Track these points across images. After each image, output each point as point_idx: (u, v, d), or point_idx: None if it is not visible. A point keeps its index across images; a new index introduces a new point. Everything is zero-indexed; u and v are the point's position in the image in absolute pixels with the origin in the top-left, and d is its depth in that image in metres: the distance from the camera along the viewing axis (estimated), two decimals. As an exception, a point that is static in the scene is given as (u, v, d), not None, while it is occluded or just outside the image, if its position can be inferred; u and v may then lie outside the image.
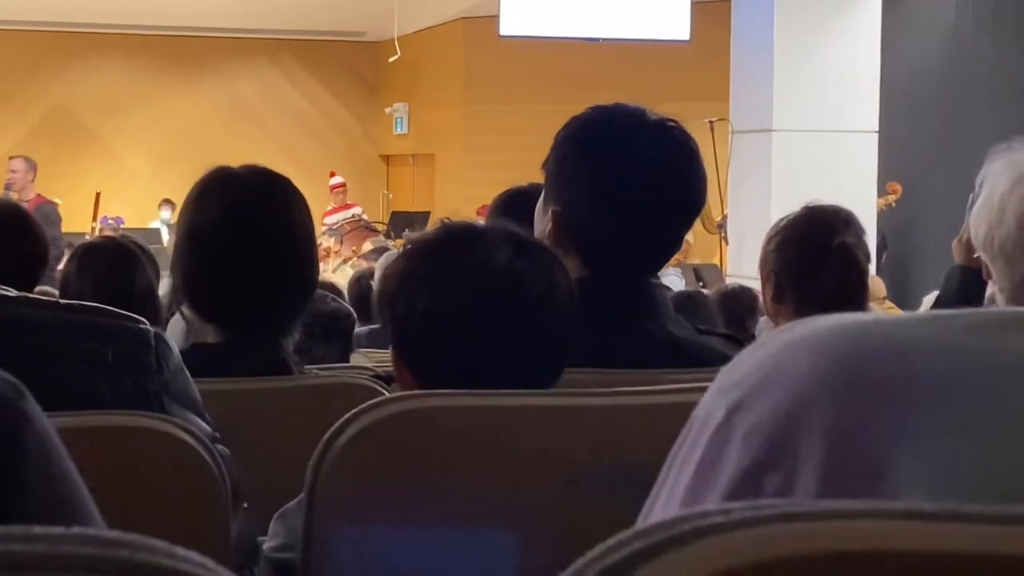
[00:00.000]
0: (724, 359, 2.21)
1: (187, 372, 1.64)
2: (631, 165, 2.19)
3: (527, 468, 1.50)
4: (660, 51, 13.71)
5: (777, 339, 0.72)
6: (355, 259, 12.58)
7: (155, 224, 15.16)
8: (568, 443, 1.52)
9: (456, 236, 1.82)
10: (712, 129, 11.36)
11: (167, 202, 15.58)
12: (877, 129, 10.11)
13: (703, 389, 1.57)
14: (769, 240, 3.15)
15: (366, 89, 18.58)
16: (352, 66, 18.44)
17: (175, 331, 3.20)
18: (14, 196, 11.38)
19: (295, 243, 2.31)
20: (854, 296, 3.11)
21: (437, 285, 1.74)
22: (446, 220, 1.96)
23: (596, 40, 11.99)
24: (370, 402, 1.46)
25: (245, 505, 1.56)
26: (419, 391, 1.54)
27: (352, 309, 3.65)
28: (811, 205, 3.18)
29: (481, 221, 1.96)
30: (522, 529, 1.45)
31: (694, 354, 2.19)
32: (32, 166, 11.55)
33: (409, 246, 1.87)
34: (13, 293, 1.53)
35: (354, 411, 1.44)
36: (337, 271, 11.98)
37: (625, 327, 2.15)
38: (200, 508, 1.46)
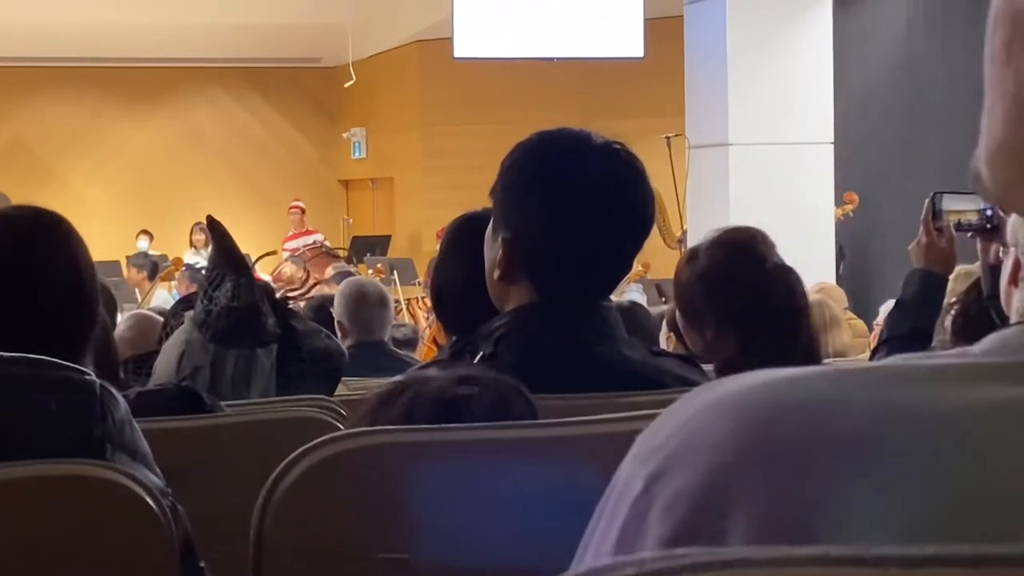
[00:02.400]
0: (679, 380, 2.22)
1: (135, 425, 1.62)
2: (578, 189, 2.19)
3: (478, 502, 1.49)
4: (615, 69, 13.75)
5: (691, 404, 0.71)
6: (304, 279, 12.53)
7: (137, 252, 15.06)
8: (518, 477, 1.52)
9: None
10: (669, 145, 11.39)
11: (145, 232, 15.59)
12: (832, 140, 10.17)
13: (644, 417, 1.57)
14: (687, 283, 3.05)
15: (323, 115, 18.55)
16: (308, 92, 18.41)
17: (172, 353, 3.16)
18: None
19: (58, 286, 2.20)
20: (800, 317, 3.09)
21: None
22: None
23: (551, 59, 12.02)
24: (313, 442, 1.45)
25: (202, 564, 1.54)
26: (362, 429, 1.53)
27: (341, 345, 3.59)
28: (720, 236, 3.10)
29: (438, 243, 1.98)
30: (476, 566, 1.44)
31: (649, 376, 2.19)
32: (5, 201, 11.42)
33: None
34: None
35: (297, 452, 1.43)
36: (304, 297, 11.92)
37: (579, 352, 2.15)
38: (146, 558, 1.45)
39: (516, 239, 2.20)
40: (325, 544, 1.44)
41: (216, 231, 3.22)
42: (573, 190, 2.19)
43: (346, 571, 1.44)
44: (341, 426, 2.23)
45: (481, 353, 2.18)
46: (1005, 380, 0.66)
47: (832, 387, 0.67)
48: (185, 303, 3.74)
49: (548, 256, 2.18)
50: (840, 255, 10.85)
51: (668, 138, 11.42)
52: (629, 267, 2.32)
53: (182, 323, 3.53)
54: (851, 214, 11.59)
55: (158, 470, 1.64)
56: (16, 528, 1.41)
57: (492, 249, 2.25)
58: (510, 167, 2.26)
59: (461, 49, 11.57)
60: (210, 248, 3.32)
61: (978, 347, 0.71)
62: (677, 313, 3.16)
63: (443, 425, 1.53)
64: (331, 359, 3.24)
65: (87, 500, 1.43)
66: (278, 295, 3.39)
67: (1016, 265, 0.90)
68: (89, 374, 1.58)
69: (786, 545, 0.61)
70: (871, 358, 3.68)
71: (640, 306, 4.79)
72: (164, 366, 3.20)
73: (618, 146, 2.27)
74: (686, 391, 2.12)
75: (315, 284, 3.63)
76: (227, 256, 3.20)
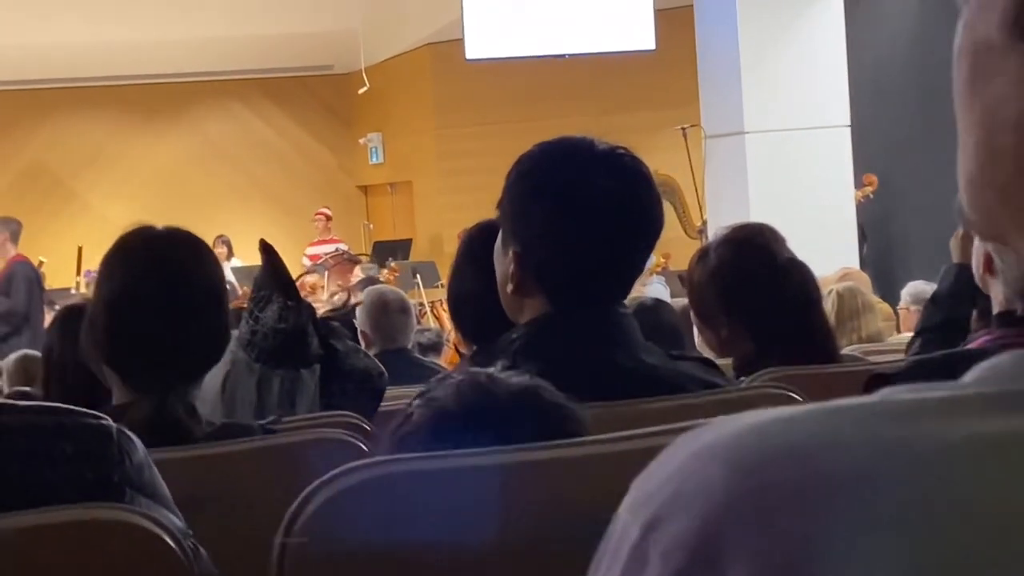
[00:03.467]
0: (699, 383, 2.22)
1: (154, 467, 1.63)
2: (586, 199, 2.19)
3: (500, 528, 1.49)
4: (627, 62, 13.72)
5: (683, 449, 0.70)
6: (340, 293, 12.56)
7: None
8: (541, 499, 1.52)
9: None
10: (685, 135, 11.38)
11: None
12: (849, 123, 10.13)
13: (669, 432, 1.57)
14: (699, 282, 3.04)
15: (338, 122, 18.58)
16: (323, 99, 18.44)
17: (217, 372, 3.19)
18: (-1, 258, 11.35)
19: (203, 304, 2.33)
20: (814, 312, 3.08)
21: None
22: (460, 382, 1.74)
23: (562, 56, 12.01)
24: (330, 474, 1.44)
25: None
26: (380, 458, 1.53)
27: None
28: (729, 234, 3.09)
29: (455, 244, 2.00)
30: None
31: (668, 381, 2.19)
32: (8, 226, 11.44)
33: (415, 422, 1.71)
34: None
35: (314, 484, 1.43)
36: (328, 302, 11.96)
37: (597, 361, 2.15)
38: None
39: (526, 252, 2.20)
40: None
41: (267, 253, 3.28)
42: (579, 201, 2.19)
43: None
44: (364, 446, 2.23)
45: (500, 365, 2.18)
46: (998, 411, 0.65)
47: (822, 426, 0.67)
48: None
49: (559, 268, 2.18)
50: (862, 238, 10.82)
51: (684, 129, 11.41)
52: (641, 269, 2.32)
53: None
54: (871, 196, 11.55)
55: (177, 510, 1.64)
56: (40, 575, 1.41)
57: (503, 263, 2.26)
58: (515, 181, 2.26)
59: (472, 51, 11.57)
60: (259, 270, 3.37)
61: (970, 376, 0.70)
62: (691, 312, 3.16)
63: (465, 451, 1.54)
64: (371, 379, 3.26)
65: (108, 544, 1.43)
66: (319, 314, 3.42)
67: (987, 258, 0.89)
68: (105, 419, 1.59)
69: None
70: (907, 351, 3.66)
71: (664, 304, 4.75)
72: (210, 386, 3.23)
73: (622, 151, 2.27)
74: (706, 395, 2.11)
75: (356, 305, 3.65)
76: (276, 279, 3.24)
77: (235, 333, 3.30)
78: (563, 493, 1.53)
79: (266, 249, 3.31)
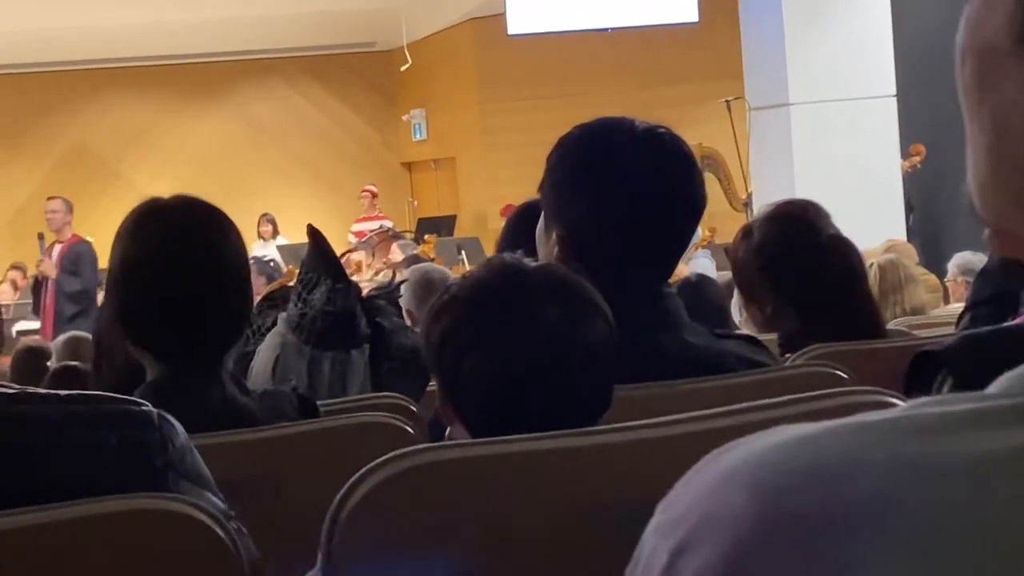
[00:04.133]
0: (744, 363, 2.21)
1: (195, 450, 1.63)
2: (628, 181, 2.18)
3: (550, 514, 1.49)
4: (670, 34, 13.66)
5: (708, 471, 0.69)
6: (386, 270, 12.59)
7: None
8: (589, 482, 1.51)
9: (501, 292, 1.82)
10: (729, 108, 11.33)
11: None
12: (895, 93, 10.05)
13: (715, 416, 1.56)
14: (743, 259, 3.03)
15: (381, 98, 18.59)
16: (365, 77, 18.45)
17: (267, 356, 3.21)
18: (53, 236, 11.50)
19: (228, 274, 2.28)
20: (858, 287, 3.06)
21: (483, 347, 1.77)
22: (492, 261, 1.94)
23: (605, 30, 11.96)
24: (381, 459, 1.44)
25: None
26: (427, 445, 1.53)
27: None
28: (773, 211, 3.07)
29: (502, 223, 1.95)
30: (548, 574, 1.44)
31: (712, 362, 2.18)
32: (69, 206, 11.67)
33: (453, 294, 1.84)
34: (13, 389, 1.53)
35: (366, 468, 1.43)
36: (372, 280, 11.99)
37: (642, 342, 2.14)
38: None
39: (569, 236, 2.20)
40: (394, 565, 1.44)
41: (314, 237, 3.28)
42: (622, 183, 2.18)
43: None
44: (411, 430, 2.23)
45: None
46: (1022, 424, 0.64)
47: (845, 446, 0.66)
48: (268, 301, 3.80)
49: (603, 251, 2.17)
50: (908, 208, 10.74)
51: (728, 101, 11.36)
52: (684, 248, 2.31)
53: (267, 322, 3.58)
54: (918, 166, 11.47)
55: (219, 493, 1.64)
56: (85, 566, 1.42)
57: (546, 246, 2.25)
58: (556, 164, 2.25)
59: (515, 26, 11.53)
60: (307, 253, 3.37)
61: (996, 385, 0.69)
62: (735, 289, 3.15)
63: (514, 436, 1.53)
64: (419, 357, 3.26)
65: (154, 534, 1.43)
66: (364, 293, 3.43)
67: None
68: (146, 405, 1.58)
69: None
70: (957, 325, 3.63)
71: (707, 280, 4.74)
72: (260, 368, 3.25)
73: (662, 131, 2.25)
74: (751, 374, 2.10)
75: (401, 283, 3.65)
76: (324, 261, 3.26)
77: (283, 315, 3.31)
78: (611, 479, 1.52)
79: (313, 233, 3.33)
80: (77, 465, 1.49)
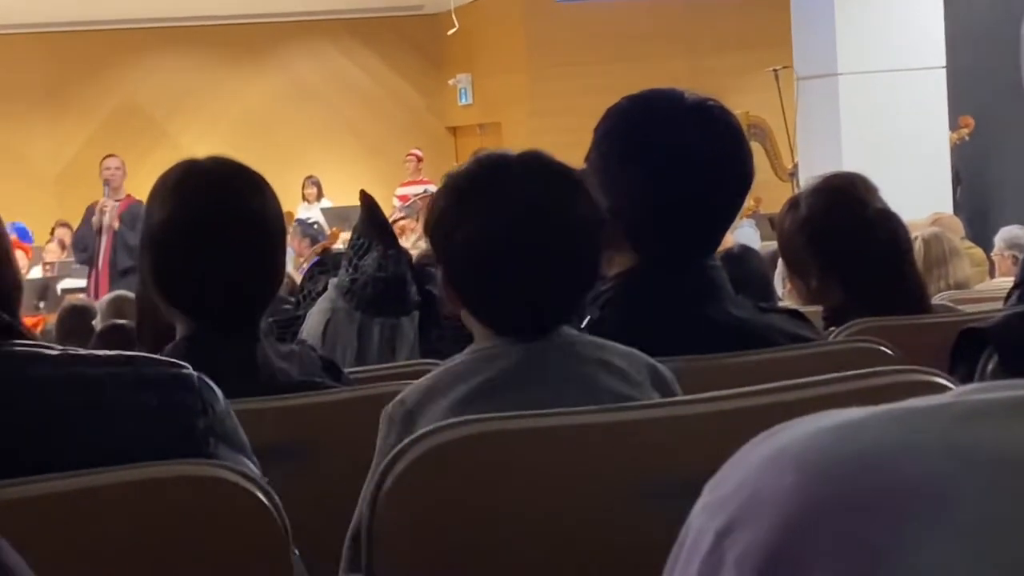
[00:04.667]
0: (788, 337, 2.20)
1: (234, 415, 1.63)
2: (676, 155, 2.17)
3: (591, 486, 1.48)
4: (719, 2, 13.58)
5: (757, 452, 0.69)
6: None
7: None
8: (631, 457, 1.51)
9: (487, 169, 1.95)
10: (777, 77, 11.26)
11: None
12: (944, 64, 9.96)
13: (758, 393, 1.56)
14: (789, 232, 3.01)
15: (428, 62, 18.56)
16: (412, 40, 18.42)
17: (317, 320, 3.22)
18: (111, 194, 11.52)
19: (264, 235, 2.28)
20: (904, 262, 3.04)
21: (472, 219, 1.88)
22: (480, 152, 2.07)
23: (653, -3, 11.89)
24: (422, 431, 1.45)
25: (296, 552, 1.55)
26: (470, 417, 1.53)
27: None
28: (820, 183, 3.05)
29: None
30: (590, 549, 1.44)
31: (757, 335, 2.17)
32: (123, 165, 11.68)
33: (444, 184, 1.99)
34: (55, 350, 1.53)
35: (407, 440, 1.43)
36: (415, 246, 11.99)
37: (687, 314, 2.13)
38: (261, 554, 1.45)
39: (617, 207, 2.19)
40: (437, 536, 1.45)
41: (367, 203, 3.29)
42: (671, 156, 2.17)
43: (459, 560, 1.44)
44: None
45: (588, 318, 2.17)
46: None
47: (897, 431, 0.65)
48: (320, 265, 3.81)
49: (651, 222, 2.17)
50: (956, 181, 10.66)
51: (776, 70, 11.29)
52: (731, 221, 2.31)
53: (318, 287, 3.60)
54: (967, 138, 11.37)
55: (255, 458, 1.64)
56: (126, 532, 1.42)
57: None
58: (604, 136, 2.24)
59: (562, -9, 11.49)
60: (359, 219, 3.37)
61: None
62: (780, 261, 3.13)
63: (558, 410, 1.54)
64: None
65: (197, 499, 1.43)
66: (415, 260, 3.44)
67: None
68: (187, 367, 1.58)
69: None
70: (1005, 302, 3.60)
71: (751, 252, 4.70)
72: (310, 332, 3.27)
73: (712, 103, 2.24)
74: (796, 348, 2.09)
75: (420, 237, 3.66)
76: (376, 227, 3.26)
77: (334, 280, 3.32)
78: (652, 455, 1.52)
79: (366, 199, 3.34)
80: (117, 427, 1.48)
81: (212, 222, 2.23)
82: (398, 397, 1.87)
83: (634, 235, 2.17)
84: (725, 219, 2.26)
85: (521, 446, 1.49)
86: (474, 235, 1.87)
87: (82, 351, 1.57)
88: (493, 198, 1.90)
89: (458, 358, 1.94)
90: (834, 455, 0.65)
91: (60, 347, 1.54)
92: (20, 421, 1.46)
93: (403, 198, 14.97)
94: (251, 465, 1.60)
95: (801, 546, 0.63)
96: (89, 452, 1.45)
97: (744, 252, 4.53)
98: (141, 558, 1.40)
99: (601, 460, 1.51)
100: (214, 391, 1.58)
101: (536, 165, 1.93)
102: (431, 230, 1.97)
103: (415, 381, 1.91)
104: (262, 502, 1.44)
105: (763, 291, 4.13)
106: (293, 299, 4.10)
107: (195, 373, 1.57)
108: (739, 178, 2.23)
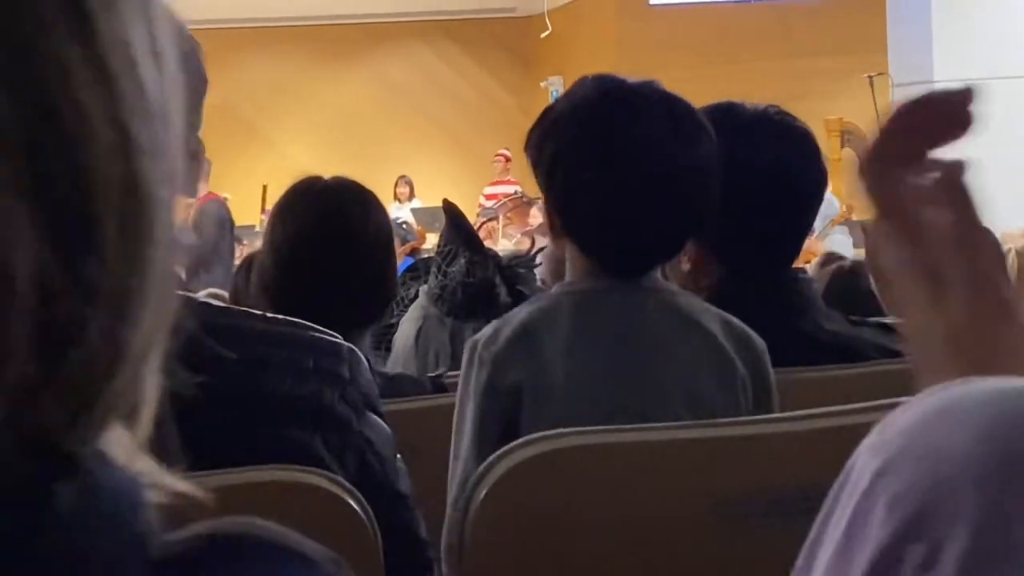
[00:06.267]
0: (880, 351, 2.16)
1: (376, 388, 1.67)
2: (759, 170, 2.17)
3: (673, 502, 1.47)
4: (813, 6, 13.47)
5: (930, 402, 0.68)
6: (521, 237, 12.60)
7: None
8: (718, 475, 1.49)
9: (612, 107, 1.93)
10: (872, 83, 11.13)
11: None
12: (1046, 72, 9.83)
13: (841, 413, 1.52)
14: None
15: (519, 64, 18.58)
16: (504, 42, 18.45)
17: (410, 327, 3.26)
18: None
19: (371, 254, 2.37)
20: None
21: (594, 168, 1.88)
22: (586, 80, 2.08)
23: (748, 1, 11.82)
24: (509, 445, 1.44)
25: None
26: (559, 431, 1.52)
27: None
28: None
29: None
30: (672, 564, 1.42)
31: (850, 348, 2.14)
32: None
33: (555, 117, 1.99)
34: (223, 303, 1.63)
35: (497, 453, 1.43)
36: (500, 242, 12.00)
37: (777, 327, 2.11)
38: (353, 560, 1.44)
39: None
40: (526, 546, 1.44)
41: (450, 212, 3.35)
42: (754, 172, 2.17)
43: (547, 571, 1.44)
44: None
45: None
46: None
47: None
48: (411, 271, 3.86)
49: (732, 238, 2.15)
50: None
51: (871, 77, 11.16)
52: (808, 229, 2.32)
53: (410, 293, 3.65)
54: (1065, 148, 11.19)
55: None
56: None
57: None
58: None
59: (656, -6, 11.46)
60: (444, 227, 3.44)
61: None
62: (870, 273, 3.08)
63: (644, 425, 1.52)
64: None
65: (291, 505, 1.42)
66: (505, 263, 3.47)
67: None
68: (339, 337, 1.63)
69: (1001, 567, 0.60)
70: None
71: (861, 265, 4.51)
72: (403, 341, 3.31)
73: (775, 111, 2.26)
74: (888, 363, 2.05)
75: (540, 250, 3.69)
76: (461, 234, 3.32)
77: (424, 288, 3.37)
78: (739, 472, 1.50)
79: (449, 208, 3.39)
80: (276, 380, 1.53)
81: (323, 238, 2.34)
82: (486, 334, 1.87)
83: (720, 249, 2.16)
84: (803, 229, 2.27)
85: (606, 461, 1.47)
86: (599, 169, 1.87)
87: (253, 311, 1.67)
88: (619, 132, 1.90)
89: (550, 300, 1.92)
90: (1006, 419, 0.64)
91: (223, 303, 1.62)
92: (199, 361, 1.50)
93: (490, 197, 14.98)
94: (387, 431, 1.63)
95: (954, 500, 0.62)
96: (253, 399, 1.51)
97: (854, 267, 4.41)
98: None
99: (688, 477, 1.49)
100: (361, 363, 1.64)
101: (658, 97, 1.95)
102: (538, 155, 1.97)
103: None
104: (355, 510, 1.44)
105: (876, 307, 4.02)
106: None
107: (345, 344, 1.62)
108: (812, 185, 2.24)
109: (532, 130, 2.00)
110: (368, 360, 2.35)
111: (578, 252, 1.93)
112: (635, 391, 1.81)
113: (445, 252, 3.32)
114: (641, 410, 1.76)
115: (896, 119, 0.85)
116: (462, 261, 3.26)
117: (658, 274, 1.97)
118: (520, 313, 1.90)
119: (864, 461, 0.69)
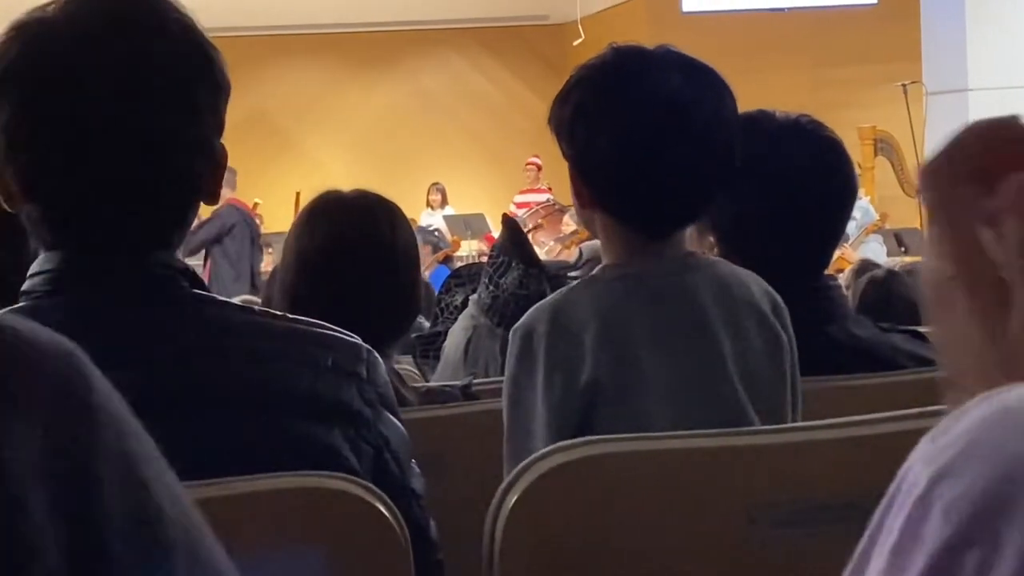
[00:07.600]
0: (912, 358, 2.16)
1: (392, 389, 1.69)
2: (789, 176, 2.18)
3: (704, 510, 1.47)
4: (847, 15, 13.43)
5: (984, 408, 0.68)
6: (553, 245, 12.60)
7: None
8: (750, 483, 1.49)
9: (624, 67, 1.94)
10: (905, 92, 11.10)
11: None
12: (1080, 81, 9.77)
13: (875, 421, 1.52)
14: None
15: (552, 72, 18.55)
16: (537, 50, 18.45)
17: (459, 337, 3.27)
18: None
19: (398, 267, 2.37)
20: None
21: (610, 118, 1.89)
22: (608, 48, 2.04)
23: (782, 10, 11.81)
24: (538, 453, 1.44)
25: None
26: (589, 438, 1.52)
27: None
28: None
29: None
30: (704, 573, 1.42)
31: (880, 355, 2.14)
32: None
33: (578, 77, 1.98)
34: (243, 302, 1.64)
35: (529, 459, 1.43)
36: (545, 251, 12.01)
37: (807, 333, 2.11)
38: (383, 566, 1.45)
39: (725, 234, 2.20)
40: (557, 554, 1.44)
41: (510, 226, 3.39)
42: (785, 180, 2.18)
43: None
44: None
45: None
46: None
47: None
48: (456, 278, 3.88)
49: (763, 244, 2.16)
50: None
51: (904, 85, 11.13)
52: (839, 236, 2.32)
53: (455, 300, 3.66)
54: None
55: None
56: (250, 542, 1.42)
57: (699, 244, 2.24)
58: None
59: (690, 3, 11.45)
60: (500, 238, 3.46)
61: None
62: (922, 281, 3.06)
63: (675, 433, 1.52)
64: None
65: (321, 511, 1.43)
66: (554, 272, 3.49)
67: None
68: (356, 337, 1.64)
69: None
70: None
71: (896, 276, 4.46)
72: (452, 350, 3.33)
73: (805, 119, 2.27)
74: (921, 371, 2.05)
75: (588, 261, 3.71)
76: (518, 247, 3.34)
77: (474, 298, 3.38)
78: (775, 479, 1.50)
79: (509, 222, 3.44)
80: (293, 376, 1.54)
81: (346, 251, 2.33)
82: (541, 326, 1.87)
83: (748, 253, 2.16)
84: (834, 234, 2.27)
85: (637, 469, 1.48)
86: (615, 117, 1.88)
87: (276, 311, 1.68)
88: (633, 81, 1.91)
89: (606, 287, 1.91)
90: None
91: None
92: (222, 357, 1.53)
93: (521, 205, 14.98)
94: (403, 433, 1.65)
95: (1011, 505, 0.62)
96: (270, 395, 1.52)
97: (889, 276, 4.36)
98: (263, 569, 1.39)
99: (721, 485, 1.49)
100: (378, 363, 1.64)
101: (674, 55, 1.97)
102: (559, 120, 1.97)
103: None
104: (385, 516, 1.44)
105: (912, 316, 4.00)
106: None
107: (363, 344, 1.63)
108: (846, 193, 2.24)
109: (553, 101, 2.01)
110: (399, 375, 2.37)
111: (609, 220, 1.93)
112: (708, 377, 1.81)
113: (498, 263, 3.34)
114: (716, 394, 1.78)
115: (974, 137, 0.84)
116: (516, 273, 3.28)
117: (687, 239, 1.98)
118: (580, 301, 1.89)
119: (918, 470, 0.69)
